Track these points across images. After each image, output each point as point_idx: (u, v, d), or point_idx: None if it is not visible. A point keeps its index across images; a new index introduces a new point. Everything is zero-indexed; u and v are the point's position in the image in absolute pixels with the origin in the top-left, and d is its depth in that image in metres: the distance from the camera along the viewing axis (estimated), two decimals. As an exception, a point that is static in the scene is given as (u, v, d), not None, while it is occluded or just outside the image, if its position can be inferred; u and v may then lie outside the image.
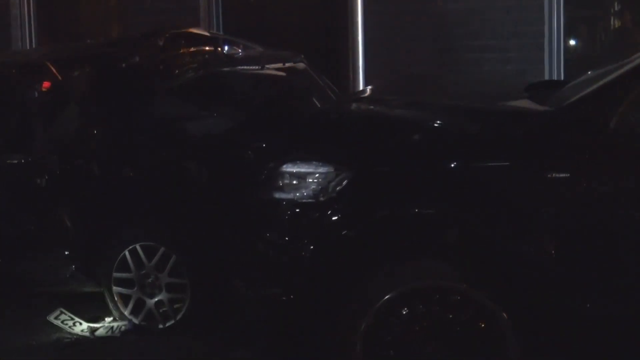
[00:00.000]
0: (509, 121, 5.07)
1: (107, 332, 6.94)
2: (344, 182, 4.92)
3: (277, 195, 5.13)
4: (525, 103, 5.39)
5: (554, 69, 9.64)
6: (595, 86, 4.80)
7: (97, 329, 7.01)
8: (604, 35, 9.93)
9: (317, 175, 5.00)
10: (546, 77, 9.43)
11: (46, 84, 7.58)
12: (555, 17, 9.62)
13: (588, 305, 4.68)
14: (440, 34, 9.96)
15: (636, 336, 4.74)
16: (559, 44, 9.62)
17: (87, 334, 6.94)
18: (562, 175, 4.64)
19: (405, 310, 4.89)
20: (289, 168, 5.11)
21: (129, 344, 6.55)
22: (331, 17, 10.67)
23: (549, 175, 4.65)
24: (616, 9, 9.86)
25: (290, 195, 5.06)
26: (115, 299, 7.05)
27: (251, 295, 5.29)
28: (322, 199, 4.96)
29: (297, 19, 10.87)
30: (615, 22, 9.93)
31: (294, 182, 5.07)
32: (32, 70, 7.55)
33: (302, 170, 5.06)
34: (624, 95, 4.62)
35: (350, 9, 10.33)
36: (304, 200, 5.01)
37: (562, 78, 9.23)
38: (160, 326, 6.93)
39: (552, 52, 9.60)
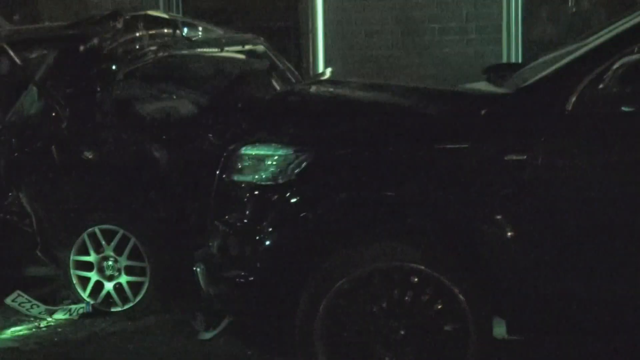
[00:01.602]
0: (467, 103, 5.09)
1: (64, 314, 6.93)
2: (303, 165, 4.91)
3: (237, 177, 5.12)
4: (483, 85, 5.41)
5: (512, 51, 9.69)
6: (552, 68, 4.82)
7: (55, 311, 6.99)
8: (563, 18, 9.97)
9: (276, 157, 4.99)
10: (505, 59, 9.48)
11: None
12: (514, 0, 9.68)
13: (546, 287, 4.71)
14: (401, 17, 9.98)
15: (593, 316, 4.78)
16: (517, 26, 9.70)
17: (45, 316, 6.92)
18: (520, 157, 4.66)
19: (364, 291, 4.92)
20: (248, 150, 5.10)
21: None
22: (291, -1, 10.67)
23: (506, 157, 4.67)
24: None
25: (249, 178, 5.05)
26: (74, 281, 7.04)
27: (211, 278, 5.26)
28: (281, 181, 4.95)
29: (256, 1, 10.84)
30: (573, 5, 9.97)
31: (254, 164, 5.06)
32: (-11, 53, 7.50)
33: (261, 152, 5.05)
34: (580, 78, 4.64)
35: (310, -9, 10.34)
36: (263, 183, 5.00)
37: (521, 60, 9.28)
38: (119, 309, 6.93)
39: (510, 34, 9.68)
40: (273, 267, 5.00)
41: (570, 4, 9.92)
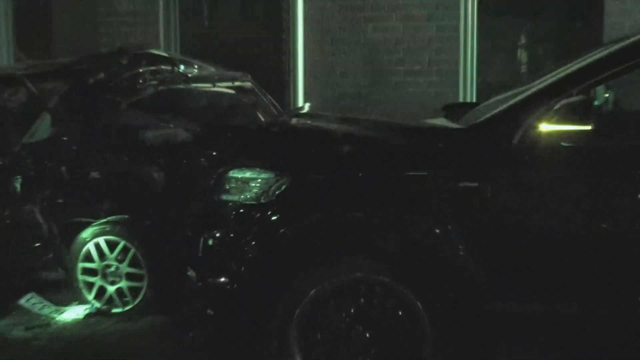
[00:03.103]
0: (428, 136, 5.10)
1: (72, 314, 6.88)
2: (283, 187, 4.91)
3: (225, 197, 5.10)
4: (441, 121, 5.42)
5: (468, 92, 9.73)
6: (501, 108, 4.83)
7: (63, 311, 6.94)
8: (513, 64, 10.03)
9: (259, 180, 4.98)
10: (461, 99, 9.50)
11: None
12: (470, 47, 9.71)
13: (494, 302, 4.70)
14: (371, 60, 10.02)
15: (543, 331, 4.75)
16: (472, 70, 9.73)
17: (55, 315, 6.88)
18: (472, 184, 4.66)
19: (334, 300, 4.90)
20: (235, 173, 5.08)
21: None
22: (276, 42, 10.67)
23: (460, 184, 4.67)
24: (523, 41, 9.96)
25: (235, 197, 5.04)
26: (81, 285, 7.01)
27: (200, 284, 5.24)
28: (263, 201, 4.94)
29: (245, 44, 10.86)
30: (522, 53, 10.03)
31: (239, 185, 5.05)
32: (10, 84, 7.48)
33: (247, 175, 5.04)
34: (525, 116, 4.65)
35: (293, 36, 10.36)
36: (248, 202, 4.99)
37: (475, 100, 9.30)
38: (120, 310, 6.90)
39: (466, 77, 9.71)
40: (254, 276, 4.98)
41: (521, 54, 9.98)
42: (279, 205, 4.93)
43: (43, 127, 7.17)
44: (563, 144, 4.64)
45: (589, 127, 4.60)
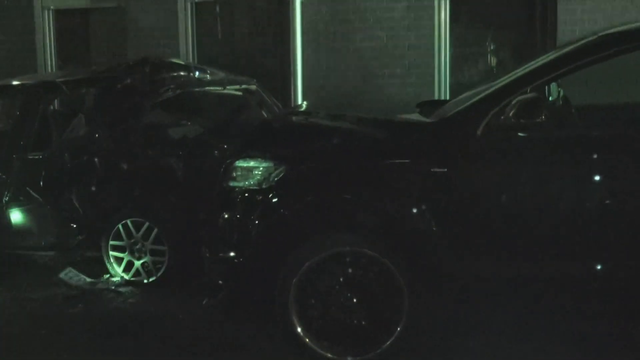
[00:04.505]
0: (403, 129, 5.08)
1: (104, 285, 6.89)
2: (281, 174, 4.90)
3: (232, 183, 5.09)
4: (416, 116, 5.40)
5: (442, 92, 9.71)
6: (467, 104, 4.82)
7: (97, 283, 6.95)
8: (481, 66, 9.98)
9: (261, 168, 4.97)
10: (436, 97, 9.48)
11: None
12: (443, 53, 9.69)
13: (458, 269, 4.70)
14: (360, 64, 9.98)
15: (500, 294, 4.75)
16: (445, 72, 9.70)
17: (89, 286, 6.88)
18: (441, 169, 4.65)
19: (326, 270, 4.90)
20: (241, 163, 5.07)
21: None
22: (278, 51, 10.65)
23: (432, 170, 4.66)
24: (492, 47, 9.92)
25: (241, 184, 5.03)
26: (111, 260, 7.00)
27: (213, 258, 5.23)
28: (264, 186, 4.93)
29: (252, 52, 10.84)
30: (488, 57, 9.99)
31: (244, 173, 5.04)
32: (50, 89, 7.46)
33: (250, 164, 5.03)
34: (488, 111, 4.64)
35: (293, 44, 10.34)
36: (251, 188, 4.98)
37: (447, 98, 9.28)
38: (145, 281, 6.90)
39: (440, 79, 9.69)
40: (258, 250, 4.98)
41: (488, 58, 9.94)
42: (277, 190, 4.92)
43: (78, 127, 7.16)
44: (519, 134, 4.63)
45: (541, 120, 4.60)
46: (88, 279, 7.04)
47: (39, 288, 6.86)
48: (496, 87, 4.84)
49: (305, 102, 9.68)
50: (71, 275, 7.12)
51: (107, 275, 7.05)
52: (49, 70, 11.85)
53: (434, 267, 4.71)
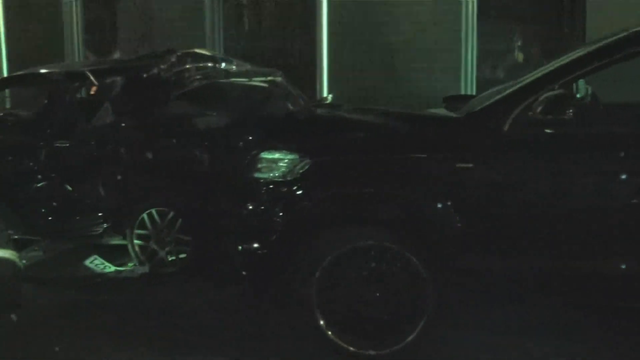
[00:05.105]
0: (430, 124, 5.07)
1: (128, 273, 6.92)
2: (306, 167, 4.90)
3: (257, 175, 5.10)
4: (442, 111, 5.38)
5: (469, 87, 9.66)
6: (493, 99, 4.79)
7: (122, 271, 6.99)
8: (508, 62, 9.94)
9: (286, 160, 4.98)
10: (462, 93, 9.44)
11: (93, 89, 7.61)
12: (470, 48, 9.64)
13: (482, 263, 4.68)
14: (386, 58, 9.95)
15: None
16: (472, 67, 9.65)
17: (114, 274, 6.92)
18: (467, 165, 4.63)
19: (349, 263, 4.89)
20: (266, 155, 5.08)
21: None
22: (304, 43, 10.64)
23: (457, 165, 4.65)
24: (516, 43, 9.87)
25: (265, 175, 5.04)
26: (136, 249, 7.03)
27: (236, 249, 5.24)
28: (289, 178, 4.94)
29: (278, 45, 10.84)
30: (515, 52, 9.94)
31: (269, 165, 5.05)
32: (77, 78, 7.50)
33: (275, 156, 5.04)
34: (514, 107, 4.62)
35: (319, 37, 10.33)
36: (276, 179, 4.99)
37: (474, 93, 9.24)
38: (169, 270, 6.92)
39: (466, 73, 9.64)
40: (281, 242, 4.98)
41: (515, 54, 9.88)
42: (302, 182, 4.92)
43: (104, 115, 7.18)
44: (546, 130, 4.61)
45: (568, 117, 4.57)
46: (112, 267, 7.07)
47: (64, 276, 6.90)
48: (524, 82, 4.81)
49: (330, 95, 9.66)
50: (97, 262, 7.16)
51: (132, 264, 7.08)
52: (76, 58, 11.91)
53: (458, 262, 4.69)
